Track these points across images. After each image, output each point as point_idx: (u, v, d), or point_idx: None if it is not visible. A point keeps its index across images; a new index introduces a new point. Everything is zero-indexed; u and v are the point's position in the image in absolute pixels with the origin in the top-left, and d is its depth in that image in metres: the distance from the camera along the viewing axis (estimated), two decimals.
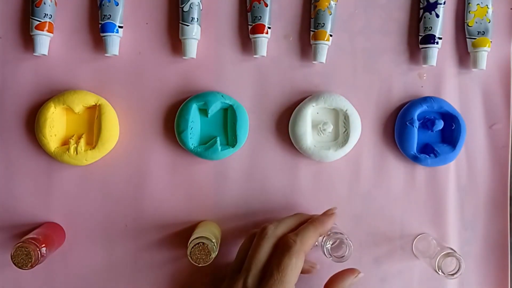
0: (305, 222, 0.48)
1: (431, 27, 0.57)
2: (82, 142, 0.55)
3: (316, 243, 0.49)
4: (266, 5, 0.57)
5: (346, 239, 0.48)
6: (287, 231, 0.46)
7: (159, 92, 0.58)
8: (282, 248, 0.43)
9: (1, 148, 0.57)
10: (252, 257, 0.44)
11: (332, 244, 0.48)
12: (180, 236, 0.57)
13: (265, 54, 0.57)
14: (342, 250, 0.48)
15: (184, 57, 0.56)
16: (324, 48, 0.57)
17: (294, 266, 0.42)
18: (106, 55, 0.56)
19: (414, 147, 0.57)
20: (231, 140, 0.57)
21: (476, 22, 0.58)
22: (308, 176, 0.58)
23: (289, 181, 0.58)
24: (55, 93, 0.57)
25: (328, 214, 0.50)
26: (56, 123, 0.56)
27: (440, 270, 0.50)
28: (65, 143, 0.56)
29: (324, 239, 0.49)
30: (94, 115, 0.57)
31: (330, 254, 0.48)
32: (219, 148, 0.56)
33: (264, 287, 0.41)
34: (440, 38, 0.58)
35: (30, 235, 0.51)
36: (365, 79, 0.59)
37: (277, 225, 0.47)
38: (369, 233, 0.59)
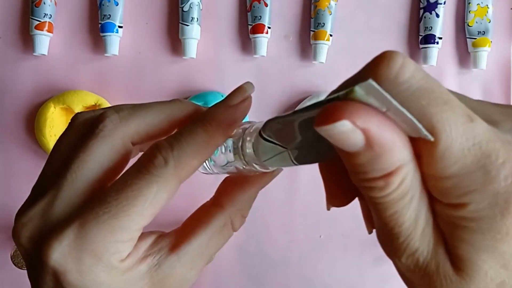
0: (186, 118, 0.25)
1: (431, 27, 0.57)
2: None
3: (206, 164, 0.26)
4: (266, 5, 0.57)
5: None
6: (148, 129, 0.24)
7: (159, 92, 0.58)
8: (138, 165, 0.22)
9: (1, 148, 0.57)
10: (68, 168, 0.23)
11: (254, 145, 0.25)
12: None
13: (265, 54, 0.57)
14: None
15: (184, 57, 0.56)
16: (324, 48, 0.57)
17: (150, 201, 0.21)
18: (106, 55, 0.56)
19: None
20: None
21: (476, 22, 0.58)
22: (308, 175, 0.58)
23: (289, 180, 0.58)
24: (55, 93, 0.57)
25: (231, 103, 0.25)
26: (56, 123, 0.56)
27: None
28: None
29: (232, 144, 0.25)
30: None
31: (256, 163, 0.24)
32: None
33: (84, 221, 0.21)
34: (440, 38, 0.58)
35: None
36: None
37: (129, 114, 0.23)
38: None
